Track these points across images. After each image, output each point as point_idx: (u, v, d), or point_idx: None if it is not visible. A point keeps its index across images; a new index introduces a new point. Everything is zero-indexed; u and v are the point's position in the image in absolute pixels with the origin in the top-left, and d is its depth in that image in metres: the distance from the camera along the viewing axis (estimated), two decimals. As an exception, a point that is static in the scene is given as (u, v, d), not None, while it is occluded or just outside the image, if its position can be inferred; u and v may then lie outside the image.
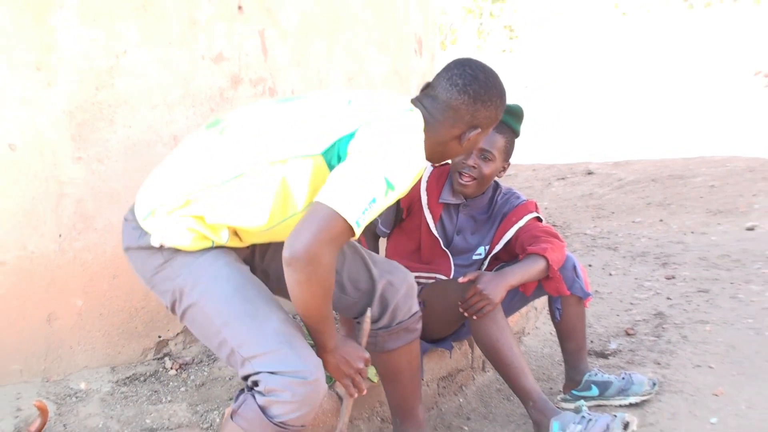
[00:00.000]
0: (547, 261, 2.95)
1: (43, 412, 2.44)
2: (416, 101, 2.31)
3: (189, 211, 2.14)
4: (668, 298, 4.48)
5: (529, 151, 9.34)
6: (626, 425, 2.82)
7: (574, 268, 3.09)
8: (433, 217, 3.12)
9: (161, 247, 2.17)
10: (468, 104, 2.25)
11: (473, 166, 2.96)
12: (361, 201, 1.99)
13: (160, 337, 3.05)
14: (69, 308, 2.82)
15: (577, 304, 3.13)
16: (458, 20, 26.58)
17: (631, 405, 3.14)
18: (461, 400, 3.31)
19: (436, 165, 2.51)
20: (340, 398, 2.71)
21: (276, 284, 2.38)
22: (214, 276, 2.15)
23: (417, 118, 2.22)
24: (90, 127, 2.81)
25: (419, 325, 2.58)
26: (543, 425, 2.83)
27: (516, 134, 3.01)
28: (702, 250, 5.35)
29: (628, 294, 4.61)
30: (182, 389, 2.83)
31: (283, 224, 2.17)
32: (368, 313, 2.39)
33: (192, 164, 2.19)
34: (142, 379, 2.89)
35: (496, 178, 3.11)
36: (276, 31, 3.34)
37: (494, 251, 3.18)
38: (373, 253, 2.56)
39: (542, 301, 4.21)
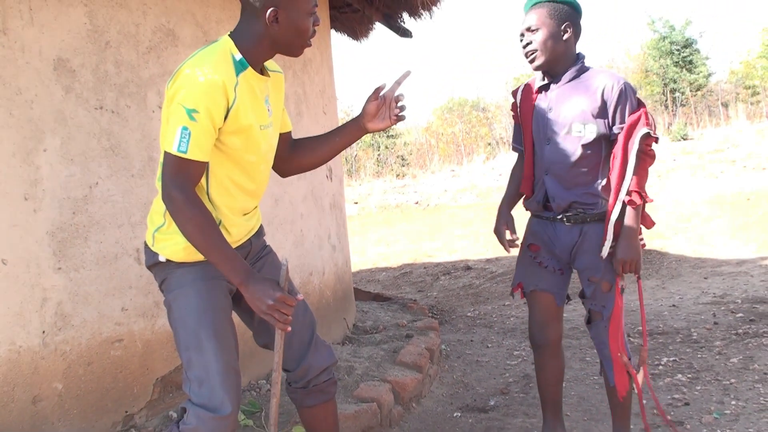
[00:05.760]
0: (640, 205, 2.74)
1: (29, 478, 2.41)
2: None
3: (173, 228, 2.17)
4: (533, 363, 4.59)
5: (424, 250, 9.52)
6: None
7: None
8: (531, 108, 2.89)
9: (168, 262, 2.21)
10: None
11: (528, 42, 2.75)
12: (174, 133, 1.99)
13: (126, 411, 3.02)
14: (51, 391, 2.79)
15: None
16: (361, 152, 27.18)
17: None
18: (374, 452, 3.34)
19: (297, 53, 2.19)
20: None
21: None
22: (186, 307, 2.17)
23: (206, 49, 2.11)
24: (68, 243, 2.85)
25: (333, 389, 2.59)
26: None
27: (576, 12, 2.78)
28: (557, 325, 5.53)
29: (502, 361, 4.73)
30: (145, 455, 2.81)
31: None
32: (285, 263, 2.25)
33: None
34: (111, 448, 2.86)
35: (577, 53, 2.83)
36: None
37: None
38: (320, 340, 2.54)
39: (434, 370, 4.30)
